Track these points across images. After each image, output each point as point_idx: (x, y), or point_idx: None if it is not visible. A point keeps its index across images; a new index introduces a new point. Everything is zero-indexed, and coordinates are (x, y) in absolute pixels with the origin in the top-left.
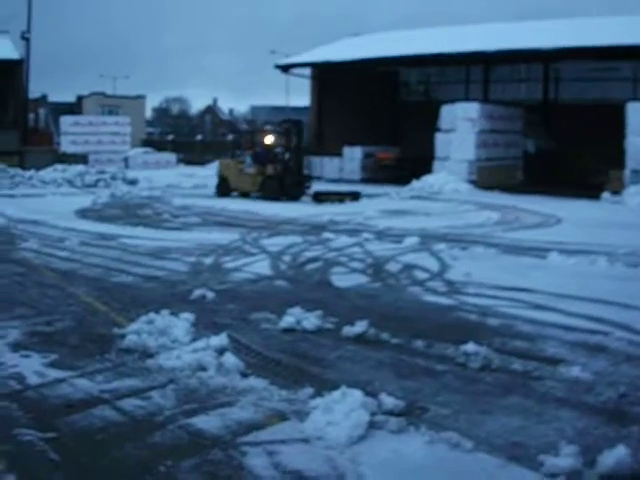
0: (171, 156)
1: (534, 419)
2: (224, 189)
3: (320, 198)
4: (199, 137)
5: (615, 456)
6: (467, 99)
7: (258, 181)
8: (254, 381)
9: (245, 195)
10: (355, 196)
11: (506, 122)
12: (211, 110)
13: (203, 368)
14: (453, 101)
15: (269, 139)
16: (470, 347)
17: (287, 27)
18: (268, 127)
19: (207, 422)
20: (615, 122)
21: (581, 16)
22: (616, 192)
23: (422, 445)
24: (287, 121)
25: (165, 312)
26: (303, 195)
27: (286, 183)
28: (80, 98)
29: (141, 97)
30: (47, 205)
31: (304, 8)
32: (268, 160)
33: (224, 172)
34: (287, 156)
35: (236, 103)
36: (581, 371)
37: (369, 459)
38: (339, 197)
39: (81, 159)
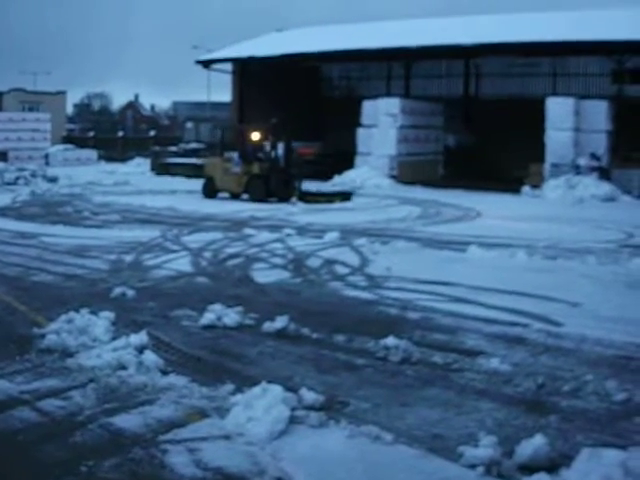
0: (92, 153)
1: (454, 411)
2: (210, 190)
3: (307, 199)
4: (120, 133)
5: (533, 445)
6: (389, 95)
7: (244, 181)
8: (174, 379)
9: (235, 196)
10: (346, 196)
11: (427, 117)
12: (133, 106)
13: (123, 367)
14: (375, 97)
15: (256, 136)
16: (390, 341)
17: (211, 22)
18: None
19: (128, 421)
20: (535, 117)
21: (502, 12)
22: (536, 186)
23: (342, 439)
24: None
25: (85, 311)
26: (292, 196)
27: (273, 183)
28: None
29: (62, 93)
30: None
31: (228, 2)
32: (255, 158)
33: (210, 171)
34: (274, 154)
35: (158, 99)
36: (500, 363)
37: (290, 454)
38: (328, 198)
39: (0, 156)
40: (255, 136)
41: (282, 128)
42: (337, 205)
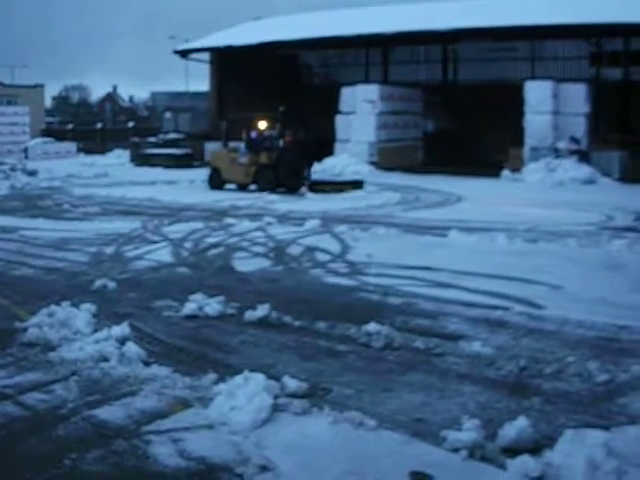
0: (71, 145)
1: (437, 395)
2: (216, 181)
3: (317, 188)
4: (99, 125)
5: (516, 427)
6: (367, 81)
7: (251, 171)
8: (157, 369)
9: (242, 187)
10: (357, 185)
11: (406, 103)
12: (111, 97)
13: (105, 359)
14: (353, 83)
15: (263, 124)
16: (372, 327)
17: (188, 12)
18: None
19: (111, 413)
20: (514, 101)
21: None
22: (516, 170)
23: (326, 426)
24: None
25: (66, 304)
26: (302, 186)
27: (281, 173)
28: None
29: (40, 86)
30: None
31: None
32: (262, 148)
33: (216, 162)
34: (282, 143)
35: (136, 90)
36: (482, 346)
37: (274, 442)
38: (338, 186)
39: None
40: (262, 125)
41: (290, 116)
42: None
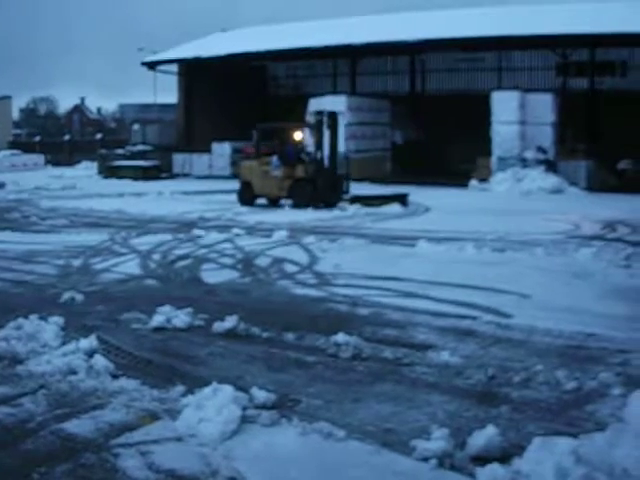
0: (39, 157)
1: (405, 405)
2: (247, 196)
3: (361, 203)
4: (67, 137)
5: (485, 436)
6: (335, 92)
7: (286, 185)
8: (125, 382)
9: (274, 202)
10: (401, 199)
11: (374, 114)
12: (79, 109)
13: (73, 372)
14: (321, 94)
15: (298, 135)
16: (340, 337)
17: (155, 24)
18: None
19: (79, 426)
20: (481, 111)
21: (446, 8)
22: (483, 179)
23: (295, 437)
24: (320, 113)
25: (34, 317)
26: (340, 200)
27: (319, 187)
28: None
29: (7, 98)
30: None
31: (173, 4)
32: (297, 160)
33: (247, 176)
34: (319, 155)
35: (104, 102)
36: (451, 355)
37: (242, 454)
38: (381, 201)
39: None
40: (297, 135)
41: (328, 125)
42: (287, 204)
